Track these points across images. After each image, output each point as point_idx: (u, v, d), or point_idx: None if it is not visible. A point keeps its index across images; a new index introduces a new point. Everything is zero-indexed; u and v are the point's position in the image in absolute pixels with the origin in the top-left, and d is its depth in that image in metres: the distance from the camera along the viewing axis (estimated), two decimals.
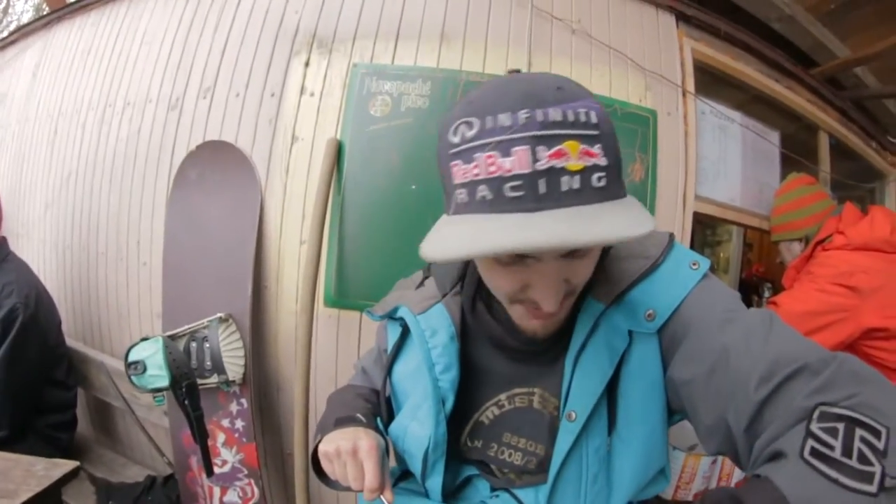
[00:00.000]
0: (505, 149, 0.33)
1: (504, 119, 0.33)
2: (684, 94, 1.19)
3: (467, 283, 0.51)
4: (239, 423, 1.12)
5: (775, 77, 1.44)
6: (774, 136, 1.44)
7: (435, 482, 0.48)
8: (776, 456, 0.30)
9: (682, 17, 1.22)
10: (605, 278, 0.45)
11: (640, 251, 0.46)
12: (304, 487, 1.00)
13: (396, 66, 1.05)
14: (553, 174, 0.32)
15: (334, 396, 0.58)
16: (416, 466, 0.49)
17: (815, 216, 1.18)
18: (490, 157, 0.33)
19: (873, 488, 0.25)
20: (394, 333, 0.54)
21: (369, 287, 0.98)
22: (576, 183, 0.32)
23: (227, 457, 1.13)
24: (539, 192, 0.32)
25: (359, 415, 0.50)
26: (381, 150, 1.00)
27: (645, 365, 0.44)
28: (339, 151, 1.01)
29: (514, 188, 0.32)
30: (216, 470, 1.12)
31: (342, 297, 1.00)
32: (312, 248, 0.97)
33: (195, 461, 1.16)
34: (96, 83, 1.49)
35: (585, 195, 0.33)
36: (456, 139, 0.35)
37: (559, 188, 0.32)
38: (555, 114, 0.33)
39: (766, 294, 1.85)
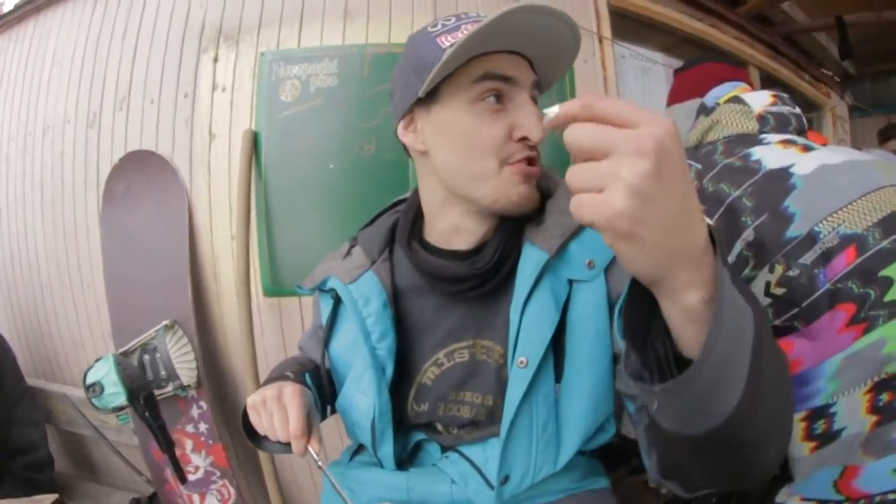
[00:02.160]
0: (477, 21, 0.43)
1: (465, 17, 0.47)
2: (601, 41, 1.20)
3: (400, 233, 0.52)
4: (202, 427, 1.12)
5: (698, 17, 1.44)
6: None
7: (386, 451, 0.48)
8: None
9: None
10: (545, 228, 0.46)
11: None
12: (273, 476, 1.02)
13: (302, 49, 1.04)
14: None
15: (274, 368, 0.58)
16: (365, 437, 0.49)
17: None
18: (471, 24, 0.44)
19: None
20: (326, 306, 0.55)
21: (304, 270, 0.95)
22: None
23: (197, 462, 1.14)
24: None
25: (288, 373, 0.51)
26: (296, 134, 0.99)
27: (589, 312, 0.45)
28: (255, 142, 1.01)
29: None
30: (190, 477, 1.13)
31: (279, 285, 1.00)
32: (240, 241, 0.97)
33: (170, 473, 1.16)
34: (13, 112, 1.44)
35: None
36: (436, 28, 0.46)
37: None
38: None
39: None
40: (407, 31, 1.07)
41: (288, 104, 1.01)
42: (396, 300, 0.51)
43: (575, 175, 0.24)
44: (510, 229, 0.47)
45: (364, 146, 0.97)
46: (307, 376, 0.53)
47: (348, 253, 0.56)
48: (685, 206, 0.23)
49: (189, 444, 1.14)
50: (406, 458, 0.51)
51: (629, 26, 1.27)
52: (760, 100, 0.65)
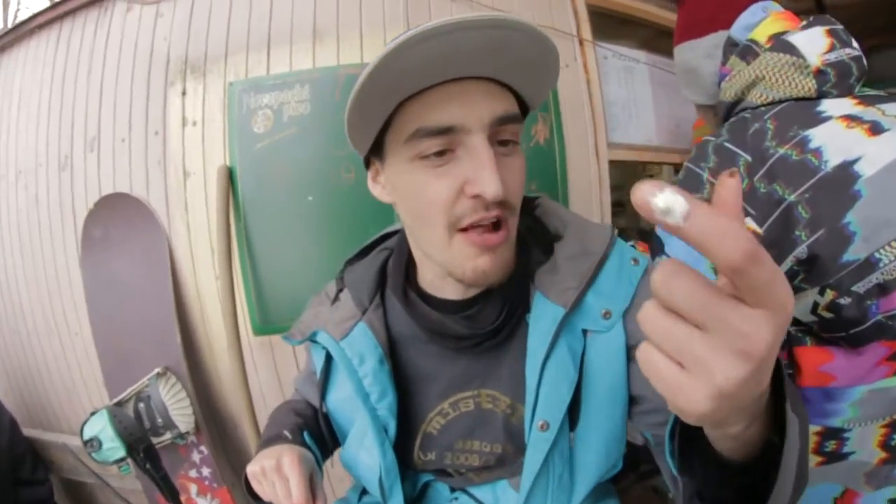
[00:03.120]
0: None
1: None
2: (581, 43, 1.15)
3: (393, 281, 0.48)
4: (206, 471, 1.10)
5: (675, 10, 1.42)
6: None
7: (397, 501, 0.47)
8: None
9: None
10: (559, 279, 0.43)
11: (585, 247, 0.45)
12: None
13: (272, 76, 1.00)
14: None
15: (272, 415, 0.57)
16: (374, 490, 0.48)
17: None
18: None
19: None
20: (318, 357, 0.51)
21: (292, 306, 0.97)
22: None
23: None
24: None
25: (285, 432, 0.49)
26: (271, 166, 0.96)
27: (605, 361, 0.43)
28: (231, 178, 0.97)
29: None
30: None
31: (268, 323, 0.98)
32: (224, 281, 0.94)
33: None
34: None
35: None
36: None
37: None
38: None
39: None
40: (380, 48, 1.03)
41: (261, 136, 0.97)
42: (393, 350, 0.48)
43: (658, 332, 0.19)
44: (514, 285, 0.44)
45: (342, 175, 0.94)
46: (306, 435, 0.51)
47: (336, 298, 0.52)
48: (763, 384, 0.20)
49: (193, 489, 1.12)
50: (416, 498, 0.50)
51: (606, 24, 1.23)
52: (815, 45, 0.52)
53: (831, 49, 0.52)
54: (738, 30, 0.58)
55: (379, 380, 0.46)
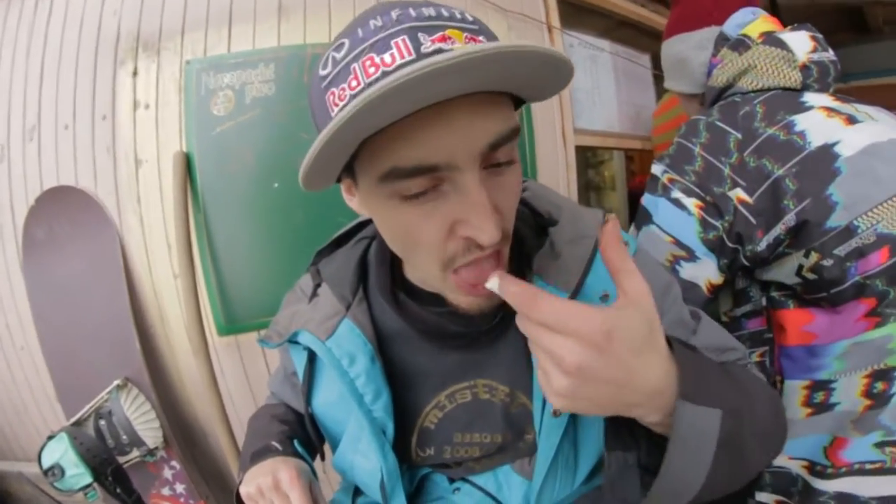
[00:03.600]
0: (382, 46, 0.28)
1: (375, 22, 0.29)
2: (550, 31, 1.15)
3: (377, 279, 0.45)
4: (179, 487, 1.01)
5: (641, 2, 1.44)
6: (645, 59, 1.45)
7: (399, 501, 0.44)
8: None
9: None
10: (560, 264, 0.42)
11: (580, 231, 0.44)
12: None
13: (234, 54, 0.92)
14: (442, 54, 0.24)
15: (251, 424, 0.54)
16: (374, 495, 0.45)
17: None
18: (367, 59, 0.28)
19: None
20: (299, 359, 0.47)
21: (259, 302, 0.89)
22: None
23: None
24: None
25: (274, 443, 0.46)
26: (233, 152, 0.88)
27: None
28: (188, 165, 0.88)
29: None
30: None
31: (234, 322, 0.90)
32: (186, 278, 0.85)
33: None
34: None
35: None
36: (327, 69, 0.30)
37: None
38: (429, 10, 0.29)
39: None
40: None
41: (221, 118, 0.89)
42: (382, 347, 0.45)
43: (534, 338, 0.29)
44: (511, 272, 0.39)
45: None
46: (296, 444, 0.48)
47: (314, 294, 0.48)
48: (628, 381, 0.27)
49: None
50: (413, 493, 0.48)
51: (568, 11, 1.24)
52: (802, 44, 0.60)
53: (815, 50, 0.61)
54: (730, 27, 0.66)
55: (372, 379, 0.42)
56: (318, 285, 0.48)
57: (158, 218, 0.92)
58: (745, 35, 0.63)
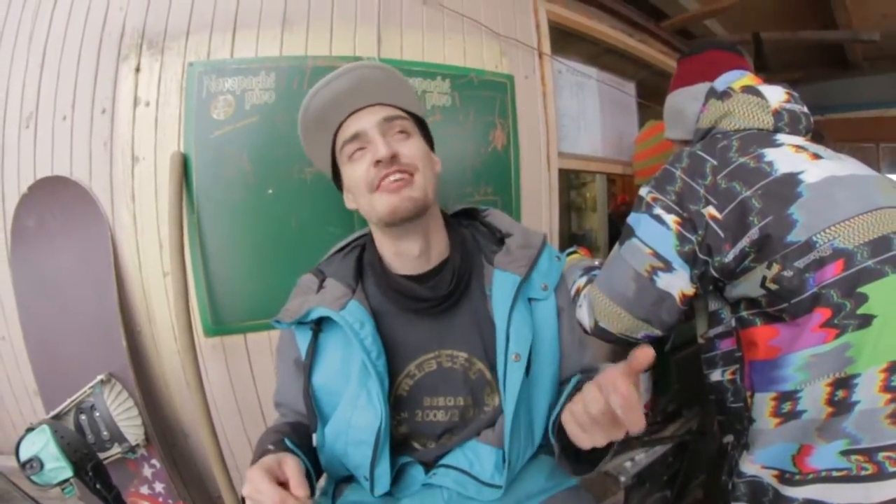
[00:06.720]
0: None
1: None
2: (540, 56, 1.19)
3: (371, 265, 0.61)
4: (159, 486, 1.01)
5: (628, 32, 1.50)
6: (630, 87, 1.52)
7: (384, 468, 0.52)
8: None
9: None
10: (514, 259, 0.60)
11: (529, 242, 0.63)
12: None
13: (236, 60, 0.94)
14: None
15: (257, 443, 0.58)
16: (364, 454, 0.51)
17: None
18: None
19: None
20: (304, 338, 0.58)
21: (247, 305, 0.91)
22: None
23: None
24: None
25: (269, 446, 0.51)
26: (230, 156, 0.90)
27: (545, 322, 0.60)
28: (185, 166, 0.90)
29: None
30: None
31: (221, 324, 0.91)
32: (177, 278, 0.86)
33: None
34: None
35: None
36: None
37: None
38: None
39: None
40: (349, 43, 0.99)
41: (220, 122, 0.90)
42: (375, 322, 0.57)
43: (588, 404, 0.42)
44: (459, 259, 0.61)
45: (305, 169, 0.89)
46: (287, 440, 0.54)
47: (321, 286, 0.61)
48: None
49: None
50: (392, 483, 0.54)
51: (557, 36, 1.29)
52: (776, 95, 0.68)
53: (788, 101, 0.68)
54: (720, 83, 0.75)
55: (376, 342, 0.54)
56: (323, 280, 0.62)
57: (152, 216, 0.93)
58: (730, 88, 0.72)
